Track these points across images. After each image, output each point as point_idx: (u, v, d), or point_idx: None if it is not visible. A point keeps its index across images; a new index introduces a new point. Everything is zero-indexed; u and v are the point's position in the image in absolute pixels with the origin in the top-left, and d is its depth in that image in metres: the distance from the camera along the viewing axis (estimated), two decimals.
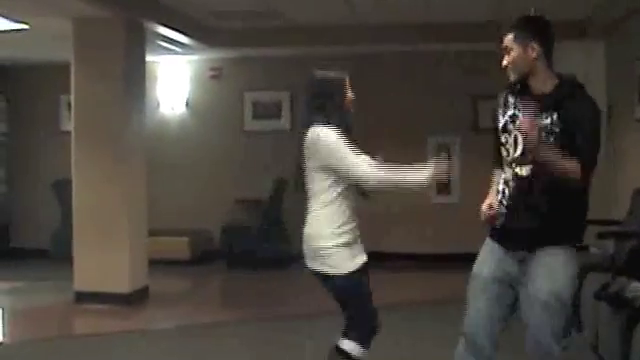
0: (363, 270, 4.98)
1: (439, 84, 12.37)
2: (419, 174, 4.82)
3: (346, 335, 5.00)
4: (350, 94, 5.12)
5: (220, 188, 12.92)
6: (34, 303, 9.76)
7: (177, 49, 11.43)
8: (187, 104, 13.23)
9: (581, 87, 4.45)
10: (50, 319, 9.08)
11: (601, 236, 7.20)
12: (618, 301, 5.70)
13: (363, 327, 5.02)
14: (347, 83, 5.14)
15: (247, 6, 9.89)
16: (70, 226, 9.56)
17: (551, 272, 4.34)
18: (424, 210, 12.51)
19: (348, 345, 4.97)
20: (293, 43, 11.36)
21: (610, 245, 7.79)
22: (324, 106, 5.02)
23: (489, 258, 4.59)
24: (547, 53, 4.41)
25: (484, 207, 4.59)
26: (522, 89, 4.46)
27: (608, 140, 10.27)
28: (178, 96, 13.19)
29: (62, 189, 11.44)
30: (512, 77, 4.46)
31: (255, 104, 12.97)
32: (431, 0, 9.51)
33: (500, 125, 4.54)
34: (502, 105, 4.56)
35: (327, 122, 4.94)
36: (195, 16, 10.44)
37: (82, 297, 9.34)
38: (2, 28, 9.62)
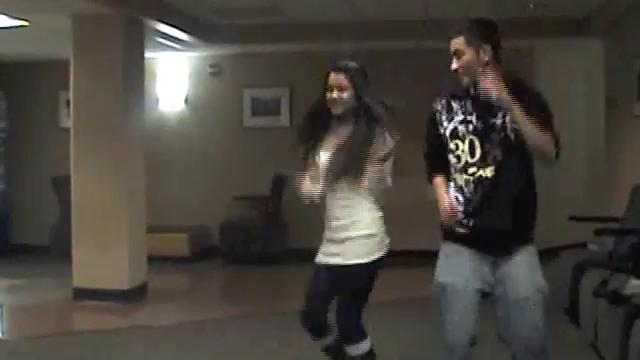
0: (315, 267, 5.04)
1: (437, 81, 12.34)
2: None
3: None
4: (328, 93, 4.93)
5: (219, 185, 12.92)
6: (33, 300, 9.75)
7: (176, 46, 11.43)
8: (186, 101, 13.23)
9: (523, 83, 4.43)
10: (49, 316, 9.08)
11: (599, 233, 7.21)
12: (616, 298, 5.70)
13: None
14: (329, 80, 4.94)
15: (247, 3, 9.89)
16: (69, 223, 9.56)
17: (532, 270, 4.37)
18: (427, 207, 12.47)
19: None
20: (293, 40, 11.37)
21: (609, 242, 7.79)
22: None
23: (460, 268, 4.48)
24: (496, 55, 4.38)
25: (446, 204, 4.52)
26: (468, 92, 4.43)
27: (607, 136, 10.29)
28: (177, 93, 13.19)
29: (61, 186, 11.43)
30: (464, 81, 4.41)
31: (254, 101, 12.97)
32: None
33: (448, 131, 4.49)
34: (445, 111, 4.53)
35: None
36: (194, 13, 10.44)
37: (81, 294, 9.34)
38: (1, 25, 9.62)
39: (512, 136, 4.27)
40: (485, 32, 4.39)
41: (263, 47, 12.10)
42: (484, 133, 4.34)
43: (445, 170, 4.60)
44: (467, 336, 4.43)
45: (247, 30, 11.32)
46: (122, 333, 8.02)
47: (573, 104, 11.57)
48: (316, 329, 5.11)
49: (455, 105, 4.48)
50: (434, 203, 4.67)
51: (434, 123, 4.58)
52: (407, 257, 11.31)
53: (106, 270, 9.32)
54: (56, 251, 12.02)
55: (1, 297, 10.12)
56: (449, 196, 4.52)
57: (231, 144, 13.02)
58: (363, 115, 4.89)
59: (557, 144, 4.31)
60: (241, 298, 10.27)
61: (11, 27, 9.77)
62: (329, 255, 4.95)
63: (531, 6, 9.57)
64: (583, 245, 8.64)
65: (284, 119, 12.55)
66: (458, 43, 4.38)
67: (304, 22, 11.02)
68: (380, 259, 5.01)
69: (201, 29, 10.92)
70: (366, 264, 4.93)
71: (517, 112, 4.16)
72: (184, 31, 10.43)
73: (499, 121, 4.30)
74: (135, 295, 9.46)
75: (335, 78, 4.89)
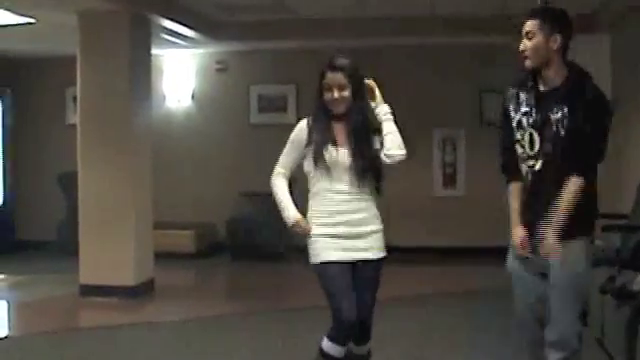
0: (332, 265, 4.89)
1: (445, 77, 12.38)
2: (287, 213, 4.93)
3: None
4: (327, 93, 4.85)
5: (226, 181, 12.93)
6: (39, 296, 9.76)
7: (182, 42, 11.43)
8: (193, 97, 13.24)
9: (589, 78, 4.49)
10: (55, 312, 9.08)
11: (607, 229, 7.19)
12: (623, 294, 5.70)
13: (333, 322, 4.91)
14: (326, 80, 4.87)
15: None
16: (76, 219, 9.57)
17: (566, 262, 4.40)
18: (429, 203, 12.52)
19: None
20: (299, 36, 11.37)
21: (616, 238, 7.78)
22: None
23: (513, 253, 4.69)
24: (565, 47, 4.45)
25: (517, 242, 4.59)
26: (534, 84, 4.50)
27: (614, 133, 10.26)
28: (184, 89, 13.20)
29: (68, 182, 11.44)
30: (528, 64, 4.47)
31: (261, 97, 12.98)
32: None
33: (515, 122, 4.56)
34: (514, 102, 4.59)
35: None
36: (201, 9, 10.43)
37: (88, 290, 9.35)
38: (9, 22, 9.63)
39: (562, 132, 4.35)
40: (560, 22, 4.46)
41: (269, 44, 12.10)
42: (541, 126, 4.43)
43: (517, 165, 4.65)
44: (530, 314, 4.62)
45: (253, 27, 11.32)
46: (129, 329, 8.04)
47: None
48: (352, 334, 4.95)
49: (522, 96, 4.55)
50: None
51: (505, 112, 4.66)
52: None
53: (113, 266, 9.33)
54: (62, 247, 12.03)
55: (8, 293, 10.16)
56: (521, 230, 4.58)
57: (238, 141, 13.02)
58: (358, 110, 4.91)
59: (585, 175, 4.41)
60: (247, 294, 10.27)
61: (18, 24, 9.79)
62: (353, 250, 4.89)
63: (539, 1, 9.55)
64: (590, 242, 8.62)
65: (291, 116, 12.52)
66: (532, 25, 4.45)
67: (311, 19, 11.02)
68: None
69: (208, 26, 10.92)
70: (385, 258, 5.01)
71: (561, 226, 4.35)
72: (191, 28, 10.44)
73: (555, 116, 4.36)
74: (142, 291, 9.47)
75: (334, 77, 4.84)
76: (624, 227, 7.59)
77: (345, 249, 4.88)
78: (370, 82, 5.00)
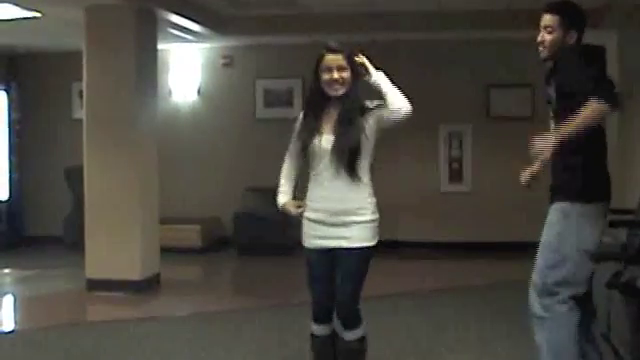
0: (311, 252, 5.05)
1: (451, 72, 12.38)
2: (277, 198, 5.12)
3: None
4: (327, 74, 4.86)
5: (232, 176, 12.93)
6: (46, 290, 9.79)
7: (188, 37, 11.43)
8: (199, 92, 13.25)
9: (569, 49, 4.67)
10: (62, 307, 9.10)
11: (613, 225, 7.18)
12: (630, 290, 5.69)
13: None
14: (326, 61, 4.88)
15: None
16: (82, 214, 9.59)
17: (546, 225, 4.76)
18: (436, 199, 12.52)
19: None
20: (305, 30, 11.36)
21: (622, 234, 7.77)
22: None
23: None
24: (578, 42, 4.70)
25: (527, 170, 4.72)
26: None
27: (620, 129, 10.26)
28: (190, 84, 13.21)
29: (74, 177, 11.47)
30: (543, 54, 4.74)
31: (267, 92, 12.97)
32: None
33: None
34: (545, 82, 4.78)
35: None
36: (207, 3, 10.43)
37: (94, 284, 9.37)
38: (15, 16, 9.63)
39: (554, 104, 4.65)
40: (577, 18, 4.71)
41: (275, 38, 12.09)
42: (548, 102, 4.74)
43: None
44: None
45: (259, 21, 11.32)
46: (134, 324, 8.04)
47: None
48: (329, 314, 5.09)
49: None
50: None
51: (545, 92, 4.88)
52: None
53: (119, 261, 9.34)
54: (69, 242, 12.06)
55: (14, 288, 10.19)
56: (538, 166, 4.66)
57: (244, 135, 13.03)
58: (355, 93, 4.94)
59: (601, 99, 4.34)
60: (253, 289, 10.28)
61: (24, 18, 9.79)
62: (332, 238, 4.93)
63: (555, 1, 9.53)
64: None
65: (297, 110, 12.34)
66: (551, 20, 4.69)
67: (317, 13, 11.02)
68: (376, 244, 5.03)
69: (213, 20, 10.92)
70: (371, 247, 4.99)
71: (563, 138, 4.42)
72: (197, 22, 10.43)
73: (550, 91, 4.66)
74: (148, 286, 9.48)
75: (334, 58, 4.87)
76: (630, 222, 7.59)
77: (323, 237, 4.96)
78: (360, 58, 4.97)
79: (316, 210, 4.95)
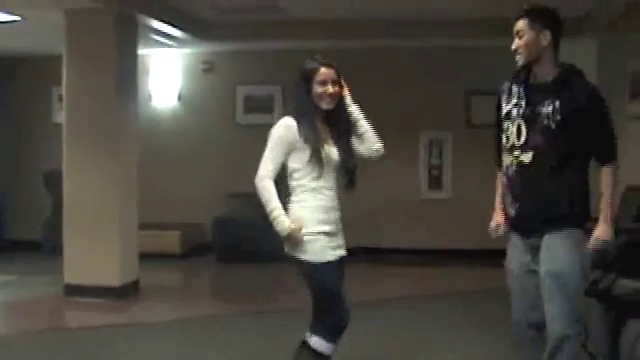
0: (330, 264, 4.96)
1: (432, 79, 12.40)
2: (282, 224, 4.79)
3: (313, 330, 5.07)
4: (322, 87, 4.89)
5: (212, 182, 12.92)
6: (24, 296, 9.74)
7: (169, 42, 11.42)
8: (179, 97, 13.23)
9: (580, 74, 4.65)
10: (40, 312, 9.05)
11: (590, 232, 7.21)
12: (607, 298, 5.71)
13: (328, 322, 5.03)
14: (321, 74, 4.90)
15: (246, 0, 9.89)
16: (61, 218, 9.55)
17: (551, 253, 4.51)
18: (415, 206, 12.54)
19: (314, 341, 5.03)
20: (286, 37, 11.36)
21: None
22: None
23: (512, 252, 4.78)
24: (555, 44, 4.61)
25: (493, 225, 4.87)
26: (527, 79, 4.65)
27: None
28: (170, 89, 13.20)
29: (53, 181, 11.41)
30: (520, 61, 4.62)
31: (247, 98, 12.97)
32: None
33: (504, 112, 4.70)
34: (506, 93, 4.74)
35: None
36: (189, 9, 10.42)
37: (72, 290, 9.33)
38: None
39: (553, 125, 4.47)
40: (549, 19, 4.63)
41: (256, 44, 12.09)
42: (531, 119, 4.55)
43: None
44: (525, 316, 4.70)
45: (240, 27, 11.32)
46: (113, 330, 8.02)
47: None
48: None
49: (515, 88, 4.71)
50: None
51: (498, 105, 4.80)
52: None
53: (98, 266, 9.31)
54: (48, 247, 12.00)
55: None
56: (499, 214, 4.84)
57: (224, 141, 13.02)
58: (344, 106, 5.05)
59: (612, 159, 4.61)
60: (233, 295, 10.27)
61: (4, 22, 9.75)
62: (338, 248, 5.02)
63: (525, 6, 9.57)
64: None
65: (277, 116, 12.36)
66: (521, 24, 4.62)
67: (298, 19, 11.02)
68: None
69: (194, 26, 10.91)
70: None
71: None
72: (177, 28, 10.42)
73: (546, 110, 4.50)
74: (126, 292, 9.45)
75: (329, 73, 4.92)
76: None
77: (335, 247, 4.99)
78: (343, 86, 5.10)
79: (329, 222, 4.95)
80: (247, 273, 11.41)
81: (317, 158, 4.87)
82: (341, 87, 4.99)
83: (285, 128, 4.97)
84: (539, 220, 4.54)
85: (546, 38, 4.54)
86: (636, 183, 7.92)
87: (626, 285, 5.58)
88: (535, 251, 4.59)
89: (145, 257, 10.18)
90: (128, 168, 9.62)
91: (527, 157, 4.53)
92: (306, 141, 4.88)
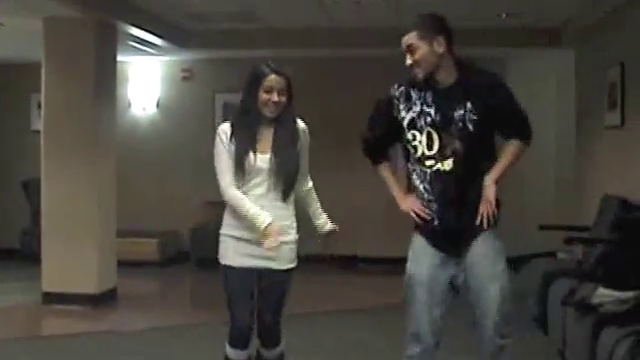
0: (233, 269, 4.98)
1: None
2: (261, 218, 4.74)
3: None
4: (267, 95, 4.80)
5: (190, 189, 12.89)
6: (1, 303, 9.66)
7: (149, 50, 11.40)
8: (158, 105, 13.21)
9: (477, 69, 4.56)
10: (17, 319, 9.03)
11: (569, 242, 7.26)
12: (584, 307, 5.74)
13: (230, 324, 5.06)
14: (268, 81, 4.81)
15: (223, 8, 9.87)
16: (40, 226, 9.51)
17: (488, 258, 4.48)
18: (393, 213, 12.52)
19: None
20: (265, 45, 11.36)
21: (578, 251, 7.85)
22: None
23: (425, 259, 4.66)
24: (450, 47, 4.47)
25: (416, 209, 4.69)
26: (427, 84, 4.50)
27: (577, 146, 10.37)
28: (149, 97, 13.17)
29: (32, 188, 11.38)
30: (420, 74, 4.47)
31: (226, 106, 12.95)
32: (403, 5, 9.50)
33: (405, 121, 4.55)
34: (403, 99, 4.58)
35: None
36: (167, 17, 10.41)
37: (50, 298, 9.29)
38: None
39: (470, 127, 4.38)
40: (436, 24, 4.49)
41: (236, 52, 12.08)
42: (443, 126, 4.43)
43: (385, 158, 4.82)
44: (429, 327, 4.62)
45: (220, 35, 11.32)
46: (91, 338, 8.00)
47: (544, 114, 11.61)
48: (247, 338, 5.02)
49: (414, 95, 4.54)
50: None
51: (388, 109, 4.63)
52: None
53: (75, 274, 9.28)
54: (26, 254, 11.94)
55: None
56: (410, 197, 4.75)
57: (203, 149, 12.90)
58: (291, 116, 4.93)
59: (528, 139, 4.57)
60: (211, 303, 10.22)
61: None
62: (258, 258, 4.86)
63: (504, 15, 9.63)
64: (553, 254, 8.70)
65: None
66: (411, 38, 4.48)
67: (277, 28, 11.04)
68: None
69: (174, 33, 10.90)
70: (294, 268, 4.98)
71: (498, 182, 4.47)
72: (157, 35, 10.41)
73: (458, 113, 4.39)
74: (104, 300, 9.42)
75: (278, 81, 4.81)
76: (586, 239, 7.67)
77: (249, 255, 4.90)
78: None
79: (244, 228, 4.90)
80: None
81: (239, 164, 4.86)
82: (289, 98, 4.85)
83: (221, 134, 5.00)
84: (464, 225, 4.49)
85: (441, 45, 4.41)
86: (614, 192, 7.95)
87: (604, 294, 5.61)
88: (458, 259, 4.55)
89: (123, 265, 10.14)
90: (106, 175, 9.59)
91: (446, 164, 4.43)
92: (235, 146, 4.88)
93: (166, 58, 12.72)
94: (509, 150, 4.54)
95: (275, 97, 4.80)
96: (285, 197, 4.87)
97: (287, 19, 10.57)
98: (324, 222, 5.14)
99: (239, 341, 4.97)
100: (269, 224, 4.69)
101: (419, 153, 4.51)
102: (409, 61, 4.49)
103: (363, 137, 4.83)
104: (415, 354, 4.65)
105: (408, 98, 4.55)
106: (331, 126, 11.49)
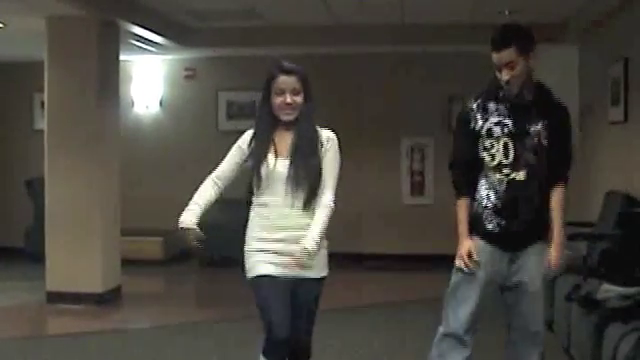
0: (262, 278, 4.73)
1: (413, 85, 12.41)
2: (182, 215, 5.02)
3: None
4: (279, 97, 4.57)
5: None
6: (6, 303, 9.68)
7: (151, 48, 11.40)
8: (161, 103, 13.21)
9: (551, 92, 4.70)
10: (22, 319, 9.03)
11: (573, 238, 7.24)
12: (589, 302, 5.74)
13: (265, 336, 4.81)
14: (278, 83, 4.57)
15: (225, 6, 9.86)
16: (43, 225, 9.50)
17: (539, 265, 4.61)
18: (398, 211, 12.54)
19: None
20: (268, 43, 11.35)
21: (582, 247, 7.84)
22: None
23: (482, 260, 4.66)
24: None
25: (464, 253, 4.69)
26: (503, 96, 4.58)
27: (582, 143, 10.35)
28: (152, 95, 13.17)
29: (35, 188, 11.38)
30: (515, 90, 4.51)
31: (229, 104, 12.95)
32: (407, 2, 9.50)
33: (484, 130, 4.59)
34: (481, 112, 4.61)
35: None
36: (170, 16, 10.40)
37: (54, 297, 9.29)
38: None
39: (545, 143, 4.52)
40: (530, 38, 4.55)
41: (238, 50, 12.08)
42: (519, 137, 4.52)
43: (470, 181, 4.72)
44: (470, 327, 4.74)
45: (223, 33, 11.30)
46: (95, 337, 8.00)
47: None
48: (285, 351, 4.86)
49: (491, 106, 4.60)
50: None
51: (467, 121, 4.66)
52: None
53: (80, 273, 9.27)
54: (30, 253, 11.94)
55: None
56: (469, 241, 4.71)
57: (206, 147, 12.95)
58: (311, 118, 4.67)
59: (566, 180, 4.72)
60: (216, 302, 10.25)
61: None
62: (284, 266, 4.64)
63: (507, 12, 9.62)
64: None
65: None
66: (510, 55, 4.46)
67: (280, 26, 11.02)
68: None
69: (177, 32, 10.89)
70: (326, 277, 4.81)
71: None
72: (160, 34, 10.39)
73: (534, 128, 4.51)
74: (109, 298, 9.42)
75: (288, 81, 4.55)
76: (590, 235, 7.66)
77: (275, 263, 4.69)
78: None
79: (273, 241, 4.74)
80: (229, 280, 11.30)
81: (256, 172, 4.71)
82: (306, 97, 4.59)
83: (244, 136, 4.88)
84: (532, 234, 4.62)
85: (532, 59, 4.49)
86: (618, 188, 7.95)
87: (609, 290, 5.61)
88: (510, 261, 4.64)
89: (127, 263, 10.16)
90: (110, 174, 9.60)
91: (521, 175, 4.52)
92: (251, 153, 4.74)
93: (169, 57, 12.72)
94: (560, 200, 4.71)
95: (288, 98, 4.55)
96: (306, 206, 4.61)
97: (289, 16, 10.55)
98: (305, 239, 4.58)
99: (275, 355, 4.79)
100: (182, 227, 4.87)
101: (496, 161, 4.57)
102: (506, 77, 4.47)
103: (453, 160, 4.81)
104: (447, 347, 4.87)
105: (485, 109, 4.61)
106: (335, 124, 11.46)
